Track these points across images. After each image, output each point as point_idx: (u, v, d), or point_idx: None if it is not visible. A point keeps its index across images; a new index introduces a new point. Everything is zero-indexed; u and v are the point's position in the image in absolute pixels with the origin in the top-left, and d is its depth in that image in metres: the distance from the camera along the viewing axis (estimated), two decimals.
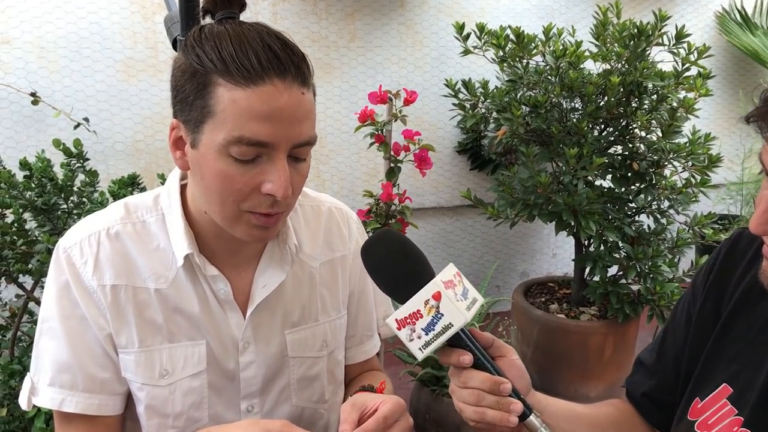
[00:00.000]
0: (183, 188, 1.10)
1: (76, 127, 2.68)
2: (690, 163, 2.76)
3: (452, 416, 2.65)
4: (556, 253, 4.00)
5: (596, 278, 3.01)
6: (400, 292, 0.91)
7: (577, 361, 3.00)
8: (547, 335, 3.02)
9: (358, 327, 1.30)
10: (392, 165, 2.35)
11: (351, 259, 1.25)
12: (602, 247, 2.87)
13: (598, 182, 2.91)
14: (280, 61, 0.89)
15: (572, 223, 2.71)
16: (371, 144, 2.36)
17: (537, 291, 3.36)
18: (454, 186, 3.58)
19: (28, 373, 1.09)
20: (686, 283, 3.15)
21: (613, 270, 2.96)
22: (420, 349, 0.90)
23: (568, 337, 2.97)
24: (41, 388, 1.05)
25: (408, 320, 0.89)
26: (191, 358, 1.08)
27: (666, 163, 2.79)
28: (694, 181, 2.80)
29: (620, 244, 2.86)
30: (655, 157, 2.77)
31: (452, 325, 0.88)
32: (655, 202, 2.93)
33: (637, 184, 2.87)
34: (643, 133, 2.83)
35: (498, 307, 3.64)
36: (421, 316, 0.88)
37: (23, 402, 1.08)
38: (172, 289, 1.06)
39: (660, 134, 2.77)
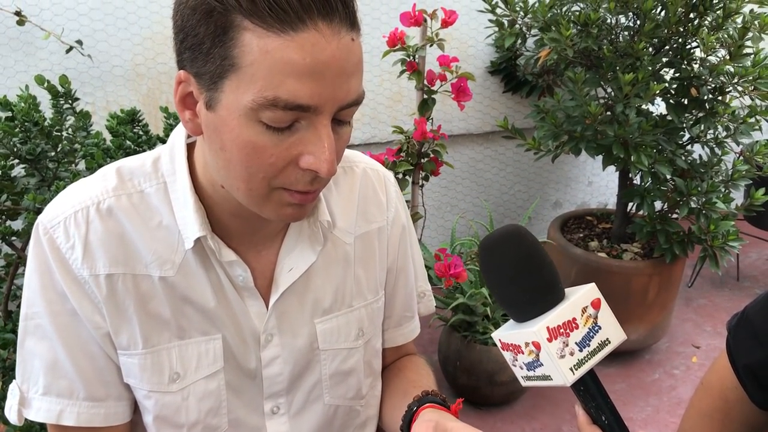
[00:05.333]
0: (189, 149, 0.88)
1: (68, 50, 2.40)
2: (753, 88, 2.46)
3: (484, 364, 2.50)
4: (591, 181, 3.74)
5: (641, 213, 2.78)
6: (515, 313, 0.76)
7: (618, 303, 2.79)
8: (587, 275, 2.81)
9: (396, 307, 1.11)
10: (425, 97, 2.06)
11: (389, 230, 1.05)
12: (651, 182, 2.62)
13: (646, 108, 2.62)
14: None
15: (622, 157, 2.44)
16: (402, 72, 2.06)
17: (574, 225, 3.13)
18: (485, 111, 3.28)
19: (14, 380, 0.90)
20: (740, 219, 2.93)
21: (658, 205, 2.72)
22: (522, 378, 0.76)
23: (610, 277, 2.76)
24: (34, 398, 0.87)
25: (511, 348, 0.75)
26: (205, 357, 0.90)
27: (729, 89, 2.49)
28: (758, 108, 2.51)
29: (670, 177, 2.60)
30: (718, 82, 2.46)
31: (551, 378, 0.72)
32: (711, 131, 2.65)
33: (695, 112, 2.58)
34: (703, 55, 2.51)
35: None
36: (522, 353, 0.73)
37: (12, 415, 0.89)
38: (179, 277, 0.87)
39: (723, 56, 2.46)
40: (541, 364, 0.72)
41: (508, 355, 0.77)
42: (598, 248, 2.91)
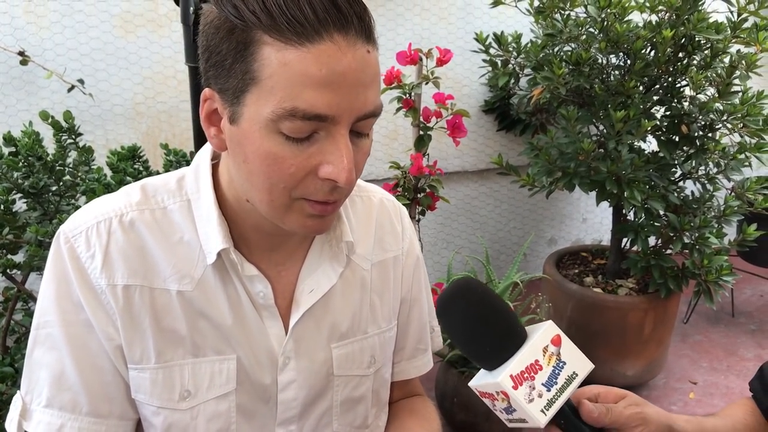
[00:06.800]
0: (214, 168, 0.90)
1: (70, 89, 2.44)
2: (741, 125, 2.51)
3: (481, 399, 2.48)
4: (586, 218, 3.77)
5: (635, 248, 2.80)
6: (483, 362, 0.79)
7: (614, 339, 2.80)
8: (583, 311, 2.82)
9: (410, 339, 1.12)
10: (421, 133, 2.10)
11: (404, 260, 1.07)
12: (644, 217, 2.64)
13: (638, 145, 2.66)
14: (340, 11, 0.70)
15: (615, 192, 2.48)
16: (398, 109, 2.11)
17: (569, 261, 3.15)
18: (479, 148, 3.33)
19: (18, 391, 0.90)
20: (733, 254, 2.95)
21: (652, 240, 2.74)
22: (506, 421, 0.77)
23: (606, 312, 2.77)
24: (36, 410, 0.86)
25: (486, 396, 0.76)
26: (218, 377, 0.90)
27: (719, 126, 2.53)
28: (747, 145, 2.55)
29: (663, 213, 2.63)
30: (708, 119, 2.51)
31: (527, 421, 0.74)
32: (702, 167, 2.69)
33: (686, 149, 2.63)
34: (692, 93, 2.57)
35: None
36: (496, 400, 0.74)
37: (12, 427, 0.88)
38: (198, 292, 0.88)
39: (712, 93, 2.51)
40: (515, 410, 0.73)
41: (487, 402, 0.78)
42: (593, 284, 2.92)
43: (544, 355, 0.74)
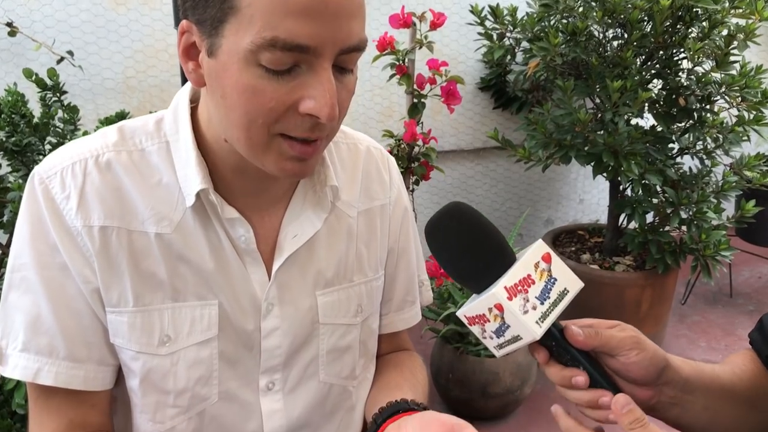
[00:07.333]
0: (193, 110, 0.88)
1: (59, 61, 2.41)
2: (740, 98, 2.49)
3: (477, 375, 2.46)
4: (583, 199, 3.74)
5: (632, 225, 2.78)
6: (472, 284, 0.78)
7: (611, 316, 2.71)
8: None
9: (397, 290, 1.10)
10: (415, 101, 2.07)
11: (391, 209, 1.05)
12: (641, 192, 2.62)
13: (635, 122, 2.63)
14: None
15: (612, 166, 2.45)
16: (391, 76, 2.07)
17: (566, 240, 3.12)
18: (475, 127, 3.30)
19: None
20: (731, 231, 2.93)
21: (649, 217, 2.72)
22: (495, 348, 0.77)
23: (603, 289, 2.74)
24: (11, 355, 0.84)
25: (476, 320, 0.75)
26: (199, 322, 0.88)
27: (717, 98, 2.51)
28: (746, 119, 2.53)
29: (661, 188, 2.60)
30: (706, 92, 2.49)
31: (521, 338, 0.74)
32: (700, 142, 2.66)
33: (683, 122, 2.60)
34: (690, 65, 2.54)
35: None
36: (488, 321, 0.74)
37: None
38: (177, 235, 0.85)
39: (710, 66, 2.49)
40: (508, 326, 0.72)
41: (476, 329, 0.77)
42: (590, 261, 2.90)
43: (535, 270, 0.73)
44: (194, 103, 0.89)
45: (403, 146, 2.02)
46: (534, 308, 0.72)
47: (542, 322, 0.72)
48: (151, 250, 0.85)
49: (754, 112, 2.51)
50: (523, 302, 0.71)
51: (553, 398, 2.81)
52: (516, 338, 0.73)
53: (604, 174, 2.56)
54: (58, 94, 1.58)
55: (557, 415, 0.78)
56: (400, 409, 0.91)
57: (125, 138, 0.87)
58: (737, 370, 0.93)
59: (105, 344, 0.87)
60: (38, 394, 0.87)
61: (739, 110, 2.54)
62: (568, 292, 0.75)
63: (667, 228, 2.67)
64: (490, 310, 0.72)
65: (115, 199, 0.83)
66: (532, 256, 0.74)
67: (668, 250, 2.63)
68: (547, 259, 0.75)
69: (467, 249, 0.76)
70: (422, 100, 2.06)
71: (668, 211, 2.61)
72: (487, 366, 2.46)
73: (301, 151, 0.77)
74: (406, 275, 1.10)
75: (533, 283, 0.73)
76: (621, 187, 2.79)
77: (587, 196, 3.74)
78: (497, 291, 0.71)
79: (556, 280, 0.74)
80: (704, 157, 2.67)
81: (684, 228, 2.62)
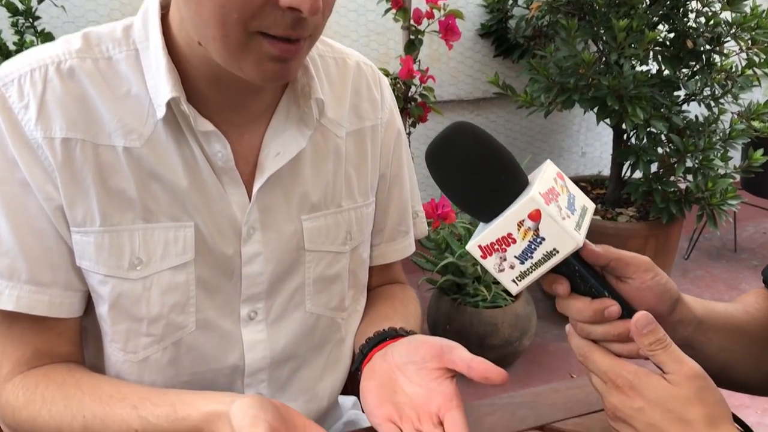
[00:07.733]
0: (164, 17, 0.80)
1: (40, 1, 2.29)
2: (750, 41, 2.39)
3: (475, 327, 2.42)
4: (585, 152, 3.66)
5: (636, 175, 2.70)
6: (483, 210, 0.70)
7: None
8: None
9: (390, 219, 1.03)
10: (412, 37, 1.97)
11: (383, 131, 0.98)
12: (646, 140, 2.54)
13: (640, 69, 2.55)
14: None
15: (616, 110, 2.36)
16: (387, 11, 1.98)
17: None
18: (475, 75, 3.20)
19: None
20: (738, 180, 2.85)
21: (653, 168, 2.65)
22: (514, 281, 0.68)
23: (605, 240, 2.60)
24: None
25: (496, 246, 0.67)
26: (174, 245, 0.81)
27: (727, 39, 2.41)
28: (757, 61, 2.43)
29: (666, 135, 2.52)
30: (715, 33, 2.39)
31: (557, 252, 0.65)
32: (707, 88, 2.58)
33: (691, 65, 2.51)
34: (699, 5, 2.45)
35: None
36: (514, 242, 0.66)
37: None
38: (147, 150, 0.78)
39: (719, 7, 2.39)
40: (543, 239, 0.65)
41: (491, 261, 0.68)
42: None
43: (556, 185, 0.68)
44: (165, 9, 0.81)
45: (399, 85, 1.94)
46: (569, 215, 0.66)
47: (578, 229, 0.66)
48: (120, 165, 0.78)
49: (765, 56, 2.42)
50: (558, 207, 0.65)
51: (553, 351, 2.76)
52: (550, 254, 0.65)
53: (608, 120, 2.48)
54: (30, 20, 1.49)
55: (570, 333, 0.71)
56: (387, 336, 0.86)
57: (91, 45, 0.79)
58: (751, 309, 0.87)
59: (71, 267, 0.80)
60: (0, 321, 0.81)
61: (748, 55, 2.45)
62: (587, 208, 0.70)
63: (672, 178, 2.60)
64: (520, 224, 0.65)
65: (79, 109, 0.76)
66: (548, 173, 0.68)
67: (673, 199, 2.56)
68: (561, 176, 0.70)
69: (486, 162, 0.68)
70: (419, 36, 1.97)
71: (673, 159, 2.53)
72: (485, 317, 2.41)
73: (283, 50, 0.70)
74: (398, 203, 1.03)
75: (560, 193, 0.67)
76: (625, 136, 2.71)
77: (589, 149, 3.67)
78: (534, 195, 0.63)
79: (574, 196, 0.69)
80: (712, 103, 2.58)
81: (689, 177, 2.55)
